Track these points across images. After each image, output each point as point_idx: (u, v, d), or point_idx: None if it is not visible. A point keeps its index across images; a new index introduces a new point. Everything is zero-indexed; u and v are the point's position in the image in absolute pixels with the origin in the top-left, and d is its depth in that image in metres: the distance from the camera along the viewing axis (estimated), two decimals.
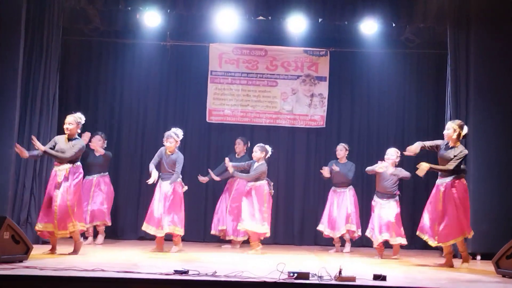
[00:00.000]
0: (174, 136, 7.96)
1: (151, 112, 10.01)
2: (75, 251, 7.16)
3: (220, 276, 5.35)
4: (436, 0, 8.41)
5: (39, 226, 7.02)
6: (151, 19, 8.99)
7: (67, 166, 7.06)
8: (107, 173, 8.93)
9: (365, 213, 9.43)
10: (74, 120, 7.18)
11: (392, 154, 8.19)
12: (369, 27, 9.06)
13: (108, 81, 10.02)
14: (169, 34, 9.83)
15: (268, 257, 7.76)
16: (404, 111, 10.14)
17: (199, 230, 9.82)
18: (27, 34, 8.22)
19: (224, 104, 10.00)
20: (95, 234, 8.88)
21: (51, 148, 7.08)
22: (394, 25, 9.17)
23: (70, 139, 7.13)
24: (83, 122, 7.28)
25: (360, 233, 8.85)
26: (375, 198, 8.19)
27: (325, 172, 8.80)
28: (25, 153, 7.04)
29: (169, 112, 10.05)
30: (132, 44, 9.98)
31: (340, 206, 8.78)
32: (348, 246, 8.88)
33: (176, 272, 5.44)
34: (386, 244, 8.15)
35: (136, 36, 9.82)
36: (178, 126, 9.34)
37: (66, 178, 7.02)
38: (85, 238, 8.67)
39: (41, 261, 6.22)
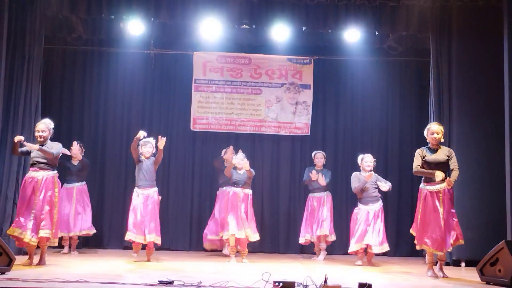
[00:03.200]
0: (152, 143, 8.02)
1: (135, 121, 9.95)
2: (42, 262, 7.08)
3: (206, 286, 5.34)
4: (418, 8, 8.47)
5: (11, 230, 6.91)
6: (135, 28, 8.98)
7: (52, 173, 7.08)
8: (84, 182, 8.89)
9: (345, 219, 9.45)
10: (46, 127, 7.21)
11: (371, 161, 8.30)
12: (352, 35, 9.11)
13: (92, 90, 9.96)
14: (153, 42, 9.81)
15: (253, 266, 7.74)
16: (387, 118, 10.19)
17: (184, 239, 9.78)
18: (9, 43, 8.15)
19: (209, 112, 9.98)
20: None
21: (25, 152, 7.15)
22: (377, 33, 9.24)
23: (41, 145, 7.14)
24: (52, 127, 7.31)
25: (334, 238, 8.91)
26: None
27: (314, 176, 8.83)
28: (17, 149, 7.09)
29: (154, 120, 10.01)
30: (115, 53, 9.94)
31: (320, 210, 8.80)
32: (323, 254, 8.86)
33: (161, 282, 5.41)
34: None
35: (119, 45, 9.78)
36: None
37: (51, 186, 6.99)
38: (62, 247, 8.63)
39: (23, 272, 6.16)
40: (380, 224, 8.09)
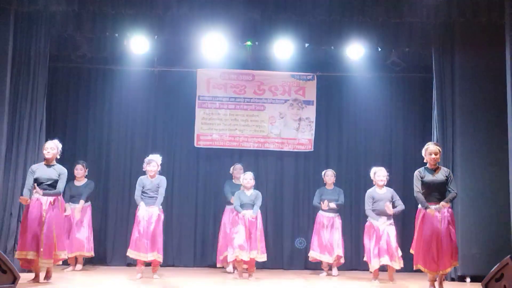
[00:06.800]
0: (156, 161, 8.00)
1: (140, 138, 9.99)
2: (49, 276, 7.11)
3: None
4: (421, 25, 8.51)
5: (19, 254, 6.92)
6: (139, 45, 9.01)
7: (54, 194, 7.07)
8: (89, 202, 8.89)
9: (354, 237, 9.48)
10: (55, 145, 7.22)
11: (384, 175, 8.23)
12: (355, 52, 9.13)
13: (96, 107, 9.99)
14: (156, 60, 9.85)
15: (257, 283, 7.72)
16: (391, 134, 10.19)
17: (189, 255, 9.76)
18: (14, 61, 8.22)
19: (212, 128, 10.00)
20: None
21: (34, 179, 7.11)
22: (380, 49, 9.28)
23: (49, 165, 7.13)
24: (60, 147, 7.32)
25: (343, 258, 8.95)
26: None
27: (325, 205, 8.83)
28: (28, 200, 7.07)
29: (158, 137, 10.04)
30: (120, 70, 9.98)
31: (331, 231, 8.78)
32: (335, 269, 8.90)
33: None
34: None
35: (124, 62, 9.82)
36: (166, 152, 9.41)
37: (52, 207, 6.99)
38: (67, 265, 8.64)
39: None
40: (394, 239, 7.98)
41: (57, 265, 7.49)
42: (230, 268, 8.83)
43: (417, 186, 6.95)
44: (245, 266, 8.28)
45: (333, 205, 8.84)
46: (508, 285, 5.94)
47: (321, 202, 8.88)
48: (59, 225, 7.08)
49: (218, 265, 9.09)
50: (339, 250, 8.76)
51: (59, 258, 7.11)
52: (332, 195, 8.94)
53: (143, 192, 7.90)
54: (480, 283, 6.44)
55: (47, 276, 7.09)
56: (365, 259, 8.19)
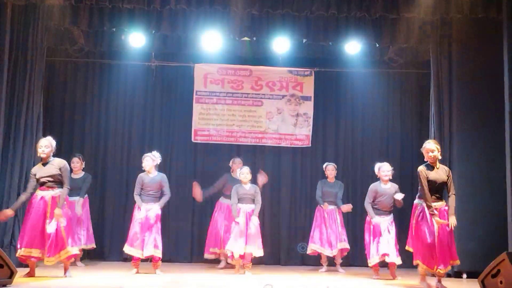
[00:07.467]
0: (150, 155, 7.96)
1: (137, 133, 9.98)
2: (65, 272, 7.11)
3: None
4: (419, 21, 8.50)
5: (24, 251, 6.84)
6: (136, 40, 9.01)
7: (58, 191, 7.03)
8: (86, 195, 8.83)
9: (351, 233, 9.48)
10: (49, 143, 7.13)
11: (388, 170, 8.17)
12: (353, 48, 9.16)
13: (93, 102, 9.98)
14: (154, 54, 9.83)
15: (254, 278, 7.73)
16: (388, 130, 10.20)
17: (185, 251, 9.77)
18: (11, 55, 8.17)
19: (210, 124, 9.99)
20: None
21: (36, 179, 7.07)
22: (377, 45, 9.27)
23: (45, 163, 7.08)
24: (55, 144, 7.25)
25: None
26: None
27: (325, 207, 8.83)
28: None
29: (155, 132, 10.03)
30: (117, 65, 9.97)
31: (332, 224, 8.77)
32: (339, 267, 8.88)
33: None
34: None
35: (121, 57, 9.82)
36: (163, 147, 9.40)
37: (56, 203, 6.94)
38: None
39: (25, 285, 6.15)
40: (393, 236, 7.94)
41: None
42: (222, 263, 8.84)
43: (425, 185, 6.71)
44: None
45: (347, 207, 8.85)
46: (504, 281, 5.97)
47: (323, 204, 8.84)
48: (67, 221, 7.03)
49: (205, 256, 9.04)
50: (344, 244, 8.75)
51: (71, 254, 7.03)
52: (333, 189, 8.92)
53: (142, 189, 7.89)
54: (476, 279, 6.46)
55: (65, 270, 7.09)
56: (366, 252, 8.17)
